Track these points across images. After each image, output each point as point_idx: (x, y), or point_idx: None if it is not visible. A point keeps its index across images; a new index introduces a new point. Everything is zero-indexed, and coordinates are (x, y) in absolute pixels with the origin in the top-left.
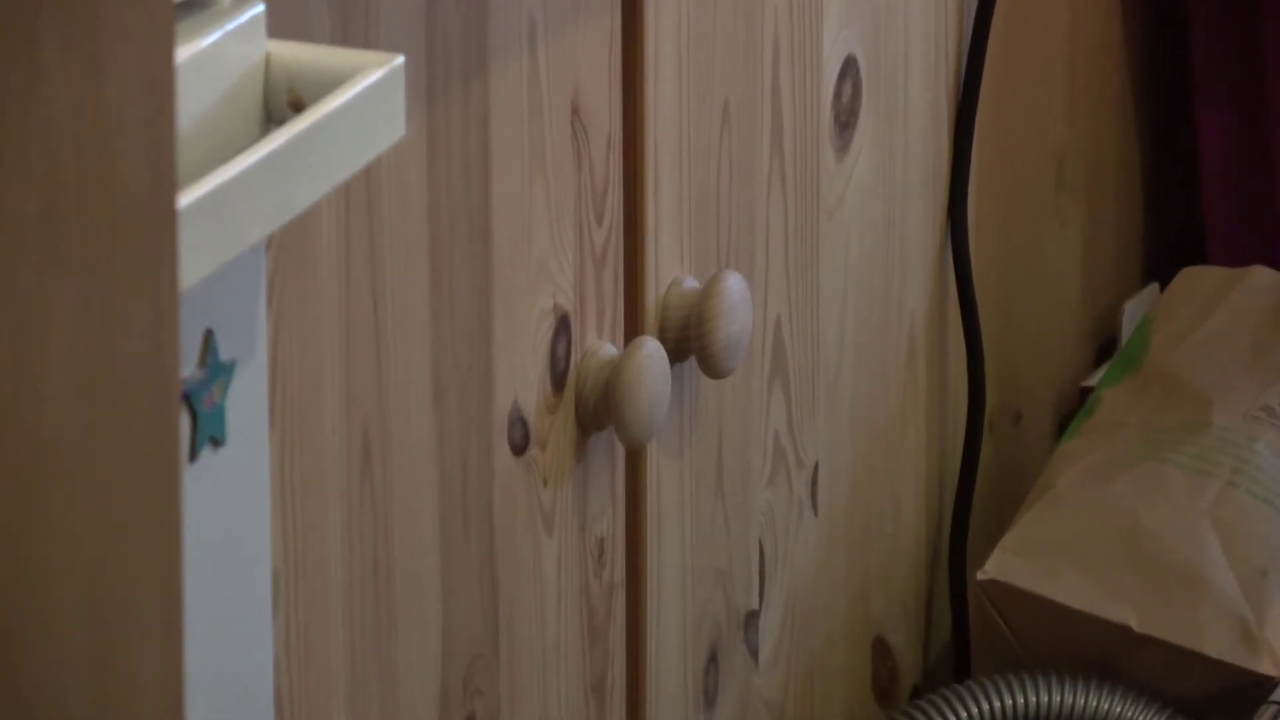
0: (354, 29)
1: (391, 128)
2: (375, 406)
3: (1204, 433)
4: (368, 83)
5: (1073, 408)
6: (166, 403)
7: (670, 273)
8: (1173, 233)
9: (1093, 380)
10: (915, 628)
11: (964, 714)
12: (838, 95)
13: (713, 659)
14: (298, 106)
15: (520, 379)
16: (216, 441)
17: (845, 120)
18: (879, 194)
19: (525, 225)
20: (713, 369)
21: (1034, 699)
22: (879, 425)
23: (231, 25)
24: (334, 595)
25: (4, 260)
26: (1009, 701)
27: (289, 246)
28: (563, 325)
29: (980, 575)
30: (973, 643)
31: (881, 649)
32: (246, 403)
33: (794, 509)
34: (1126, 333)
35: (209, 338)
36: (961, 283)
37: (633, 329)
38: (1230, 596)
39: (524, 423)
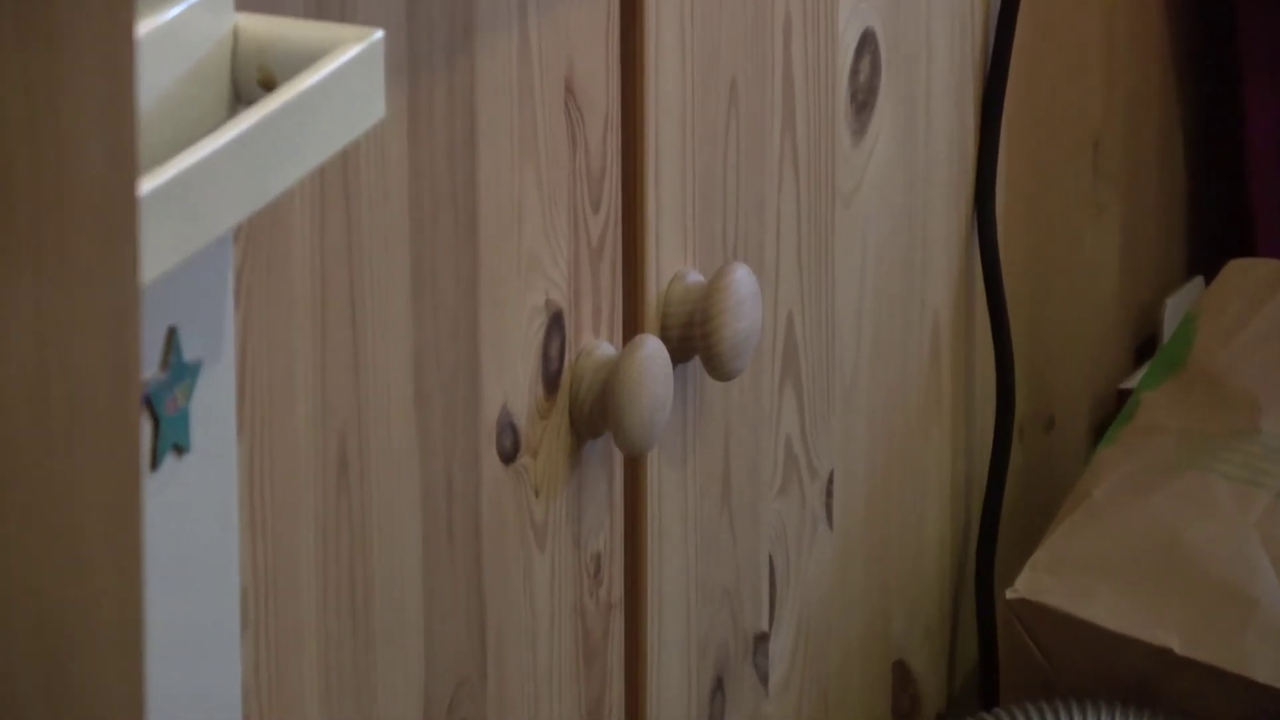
0: (330, 1)
1: (370, 108)
2: (352, 411)
3: (1252, 439)
4: (344, 59)
5: (1110, 412)
6: (126, 407)
7: (672, 265)
8: (1218, 223)
9: (1131, 382)
10: (939, 651)
11: None
12: (854, 72)
13: (719, 685)
14: (269, 85)
15: (510, 381)
16: (180, 449)
17: (862, 100)
18: (899, 180)
19: (515, 214)
20: (719, 370)
21: None
22: (899, 431)
23: None
24: (308, 615)
25: None
26: None
27: (259, 237)
28: (556, 322)
29: (1009, 594)
30: (1001, 667)
31: (902, 674)
32: (213, 407)
33: (807, 522)
34: (1168, 331)
35: (172, 336)
36: (989, 276)
37: (632, 326)
38: None
39: (514, 428)
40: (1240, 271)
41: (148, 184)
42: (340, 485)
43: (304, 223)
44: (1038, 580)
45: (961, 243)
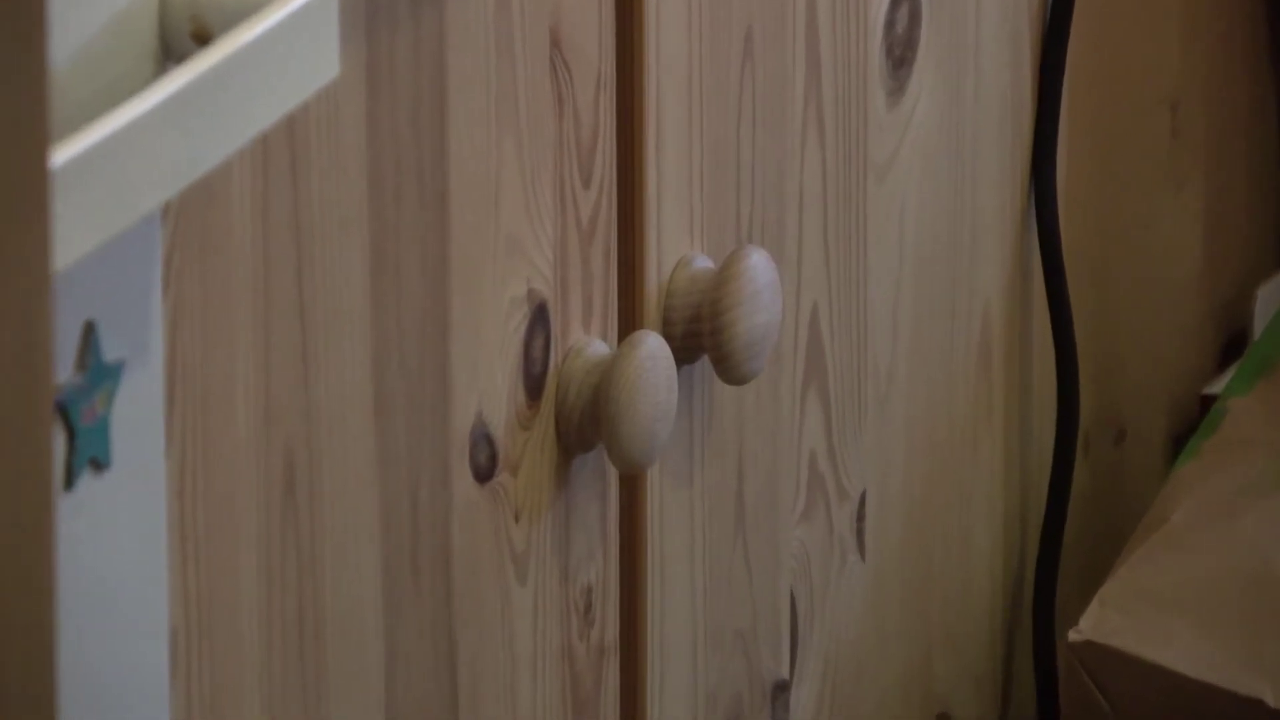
0: None
1: (321, 66)
2: (301, 420)
3: None
4: (291, 9)
5: (1191, 421)
6: (36, 415)
7: (677, 250)
8: None
9: (1216, 387)
10: (990, 702)
11: None
12: (890, 23)
13: None
14: (203, 39)
15: (486, 385)
16: (99, 464)
17: (900, 55)
18: (943, 149)
19: (491, 189)
20: (731, 372)
21: None
22: (943, 444)
23: None
24: (248, 660)
25: None
26: None
27: (192, 216)
28: (539, 317)
29: (1072, 635)
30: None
31: None
32: (137, 415)
33: (835, 551)
34: (1259, 326)
35: (90, 333)
36: (1049, 262)
37: (629, 321)
38: None
39: (490, 441)
40: None
41: (61, 154)
42: (287, 507)
43: (244, 199)
44: (1106, 619)
45: (1016, 222)
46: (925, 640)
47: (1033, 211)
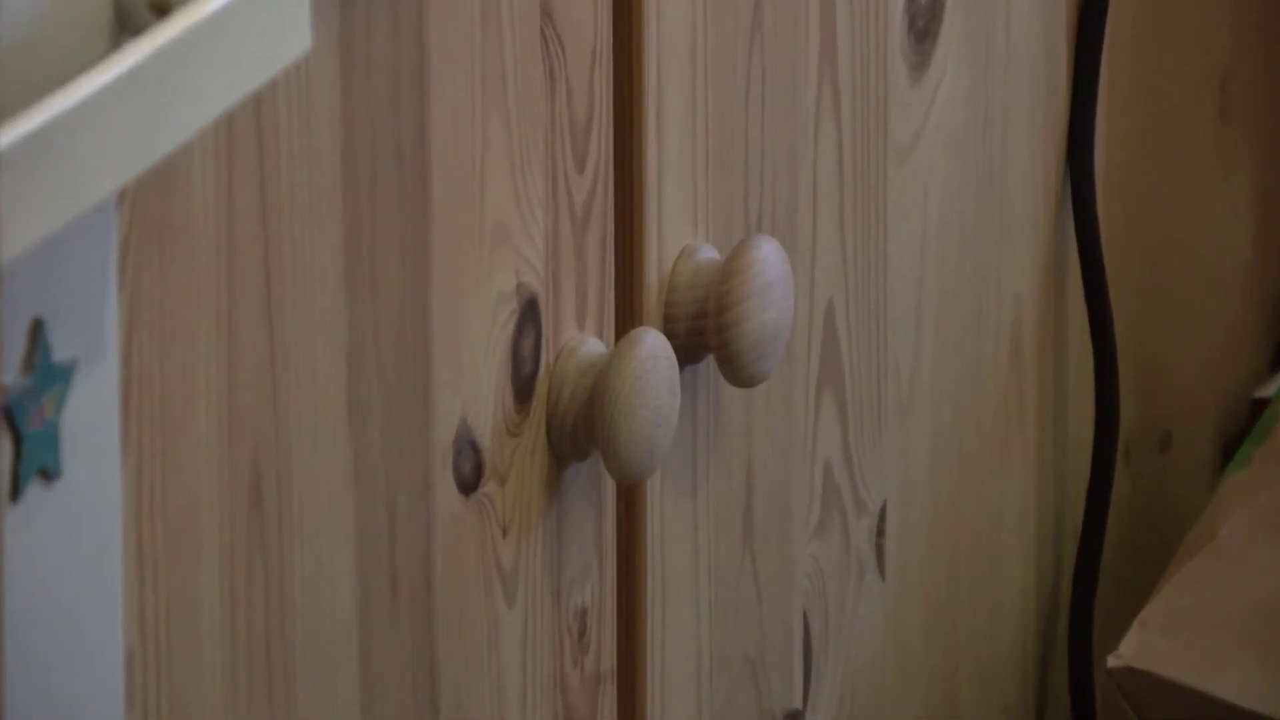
0: None
1: (291, 39)
2: (268, 426)
3: None
4: None
5: (1242, 427)
6: None
7: (679, 239)
8: None
9: (1269, 389)
10: None
11: None
12: None
13: None
14: (162, 10)
15: (470, 388)
16: (48, 473)
17: (924, 25)
18: (970, 129)
19: (477, 174)
20: (739, 373)
21: None
22: (970, 453)
23: None
24: (211, 687)
25: None
26: None
27: (149, 204)
28: (529, 313)
29: (1112, 661)
30: None
31: None
32: (90, 420)
33: (852, 570)
34: None
35: (38, 331)
36: (1086, 254)
37: (627, 318)
38: None
39: (475, 448)
40: None
41: (5, 136)
42: (253, 521)
43: (207, 186)
44: (1149, 644)
45: (1050, 210)
46: (951, 666)
47: (1068, 198)
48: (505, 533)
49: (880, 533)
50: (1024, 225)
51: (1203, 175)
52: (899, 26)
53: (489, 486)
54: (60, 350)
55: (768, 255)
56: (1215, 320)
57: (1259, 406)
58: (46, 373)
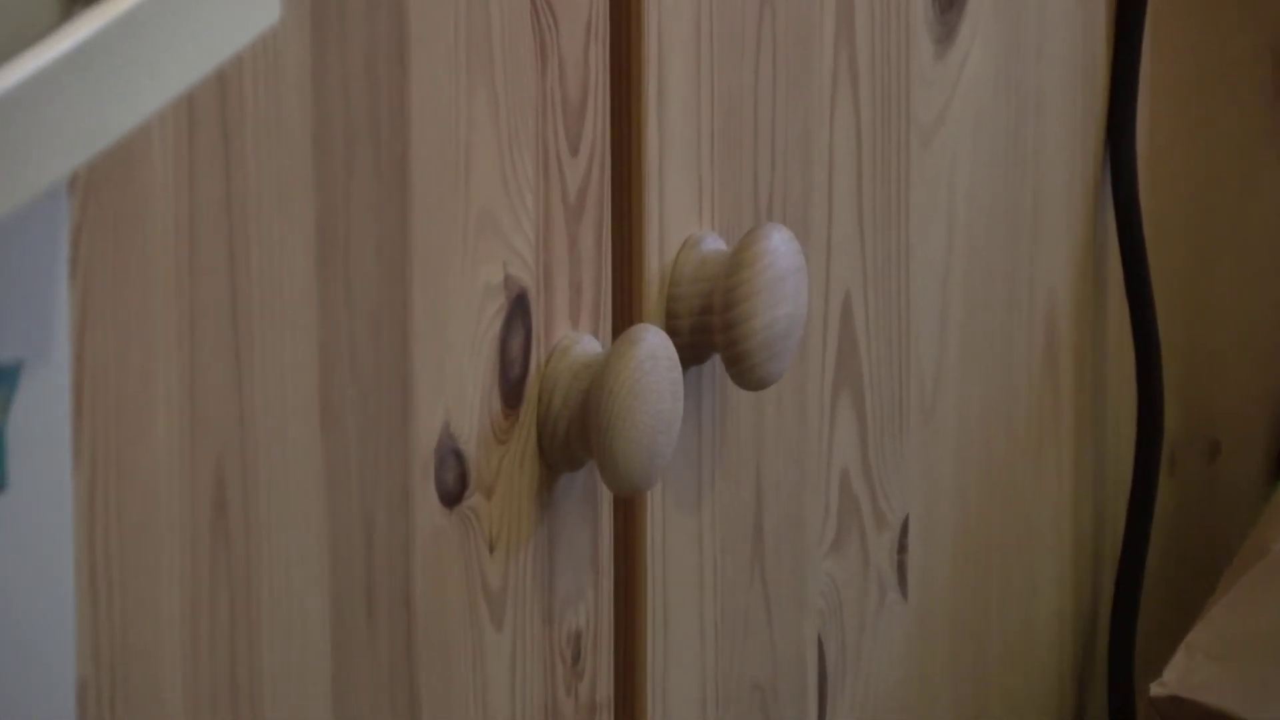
0: None
1: (258, 9)
2: (233, 432)
3: None
4: None
5: None
6: None
7: (683, 228)
8: None
9: None
10: None
11: None
12: None
13: None
14: None
15: (454, 391)
16: None
17: None
18: (1001, 107)
19: (461, 157)
20: (748, 374)
21: None
22: (1001, 462)
23: None
24: (170, 718)
25: None
26: None
27: (104, 190)
28: (519, 308)
29: (1155, 689)
30: None
31: None
32: (39, 426)
33: (872, 589)
34: None
35: None
36: (1127, 244)
37: (625, 314)
38: None
39: (459, 457)
40: None
41: None
42: (217, 537)
43: (167, 169)
44: (1195, 669)
45: (1088, 196)
46: (980, 694)
47: (1108, 182)
48: (492, 549)
49: (902, 549)
50: (1059, 212)
51: (1255, 158)
52: None
53: (474, 498)
54: (6, 349)
55: (779, 246)
56: (1268, 317)
57: None
58: None
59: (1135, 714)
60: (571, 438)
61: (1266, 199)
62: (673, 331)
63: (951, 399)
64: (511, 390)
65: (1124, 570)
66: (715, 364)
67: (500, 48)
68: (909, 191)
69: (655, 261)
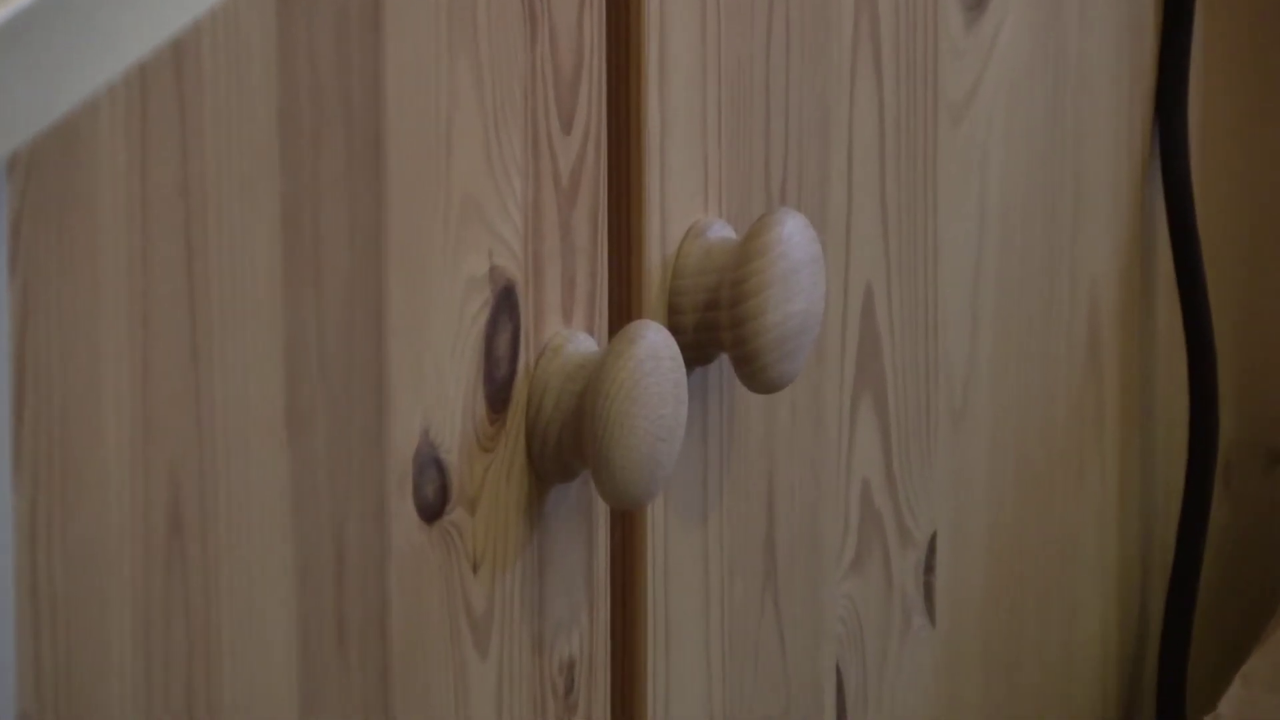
0: None
1: None
2: (190, 441)
3: None
4: None
5: None
6: None
7: (687, 215)
8: None
9: None
10: None
11: None
12: None
13: None
14: None
15: (434, 394)
16: None
17: None
18: (1039, 82)
19: (441, 135)
20: (759, 376)
21: None
22: (1038, 473)
23: None
24: None
25: None
26: None
27: (47, 174)
28: (505, 303)
29: None
30: None
31: None
32: None
33: (895, 613)
34: None
35: None
36: (1178, 233)
37: (623, 309)
38: None
39: (440, 467)
40: None
41: None
42: (172, 556)
43: (116, 150)
44: (1252, 702)
45: (1134, 179)
46: None
47: (1156, 164)
48: (476, 569)
49: (929, 569)
50: (1103, 198)
51: None
52: None
53: (456, 513)
54: None
55: (793, 234)
56: None
57: None
58: None
59: None
60: (564, 446)
61: None
62: (675, 329)
63: (984, 403)
64: (498, 393)
65: (1174, 592)
66: (723, 364)
67: (485, 14)
68: (937, 174)
69: (656, 251)
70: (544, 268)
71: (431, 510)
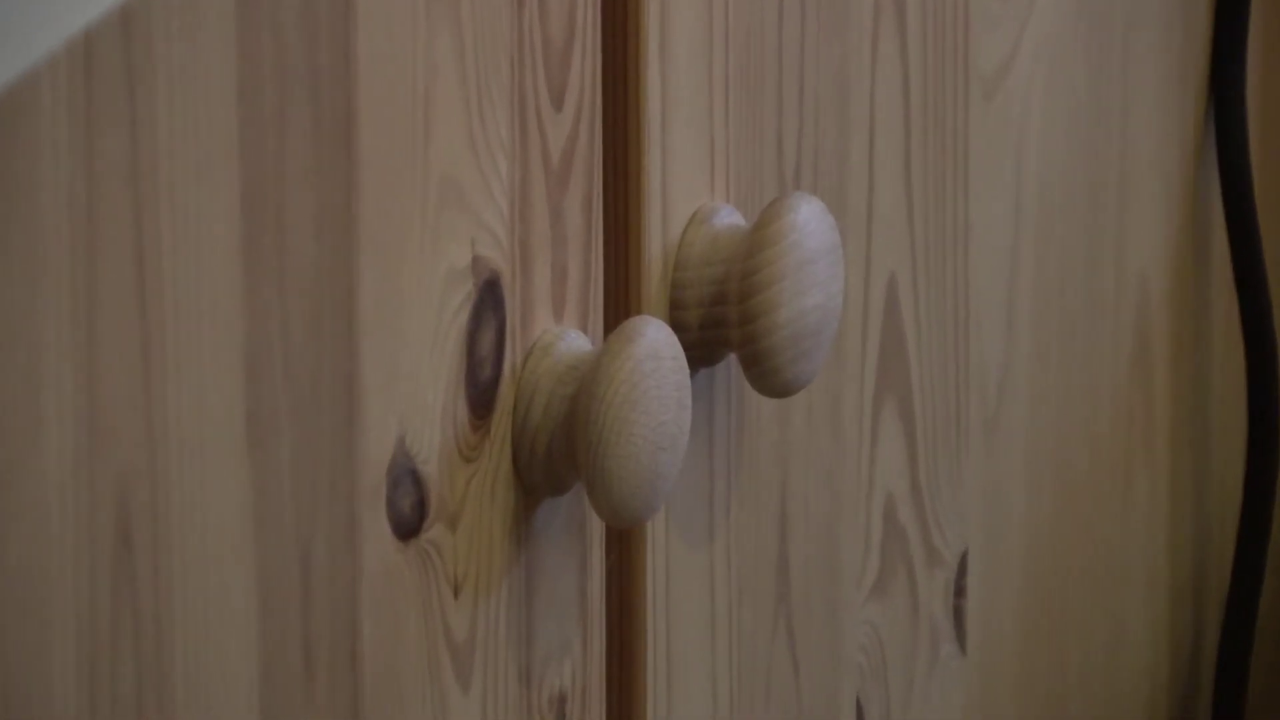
0: None
1: None
2: (141, 449)
3: None
4: None
5: None
6: None
7: (691, 199)
8: None
9: None
10: None
11: None
12: None
13: None
14: None
15: (410, 398)
16: None
17: None
18: (1081, 49)
19: (419, 112)
20: (770, 378)
21: None
22: (1080, 485)
23: None
24: None
25: None
26: None
27: None
28: (489, 297)
29: None
30: None
31: None
32: None
33: (922, 640)
34: None
35: None
36: (1235, 221)
37: (620, 304)
38: None
39: (417, 479)
40: None
41: None
42: (120, 575)
43: (59, 129)
44: None
45: (1186, 159)
46: None
47: (1211, 143)
48: (457, 591)
49: (959, 592)
50: (1152, 180)
51: None
52: None
53: (435, 530)
54: None
55: (809, 220)
56: None
57: None
58: None
59: None
60: (554, 455)
61: None
62: (678, 325)
63: (1020, 408)
64: (481, 397)
65: (1231, 618)
66: (730, 365)
67: None
68: (968, 154)
69: (657, 240)
70: (532, 258)
71: (408, 527)
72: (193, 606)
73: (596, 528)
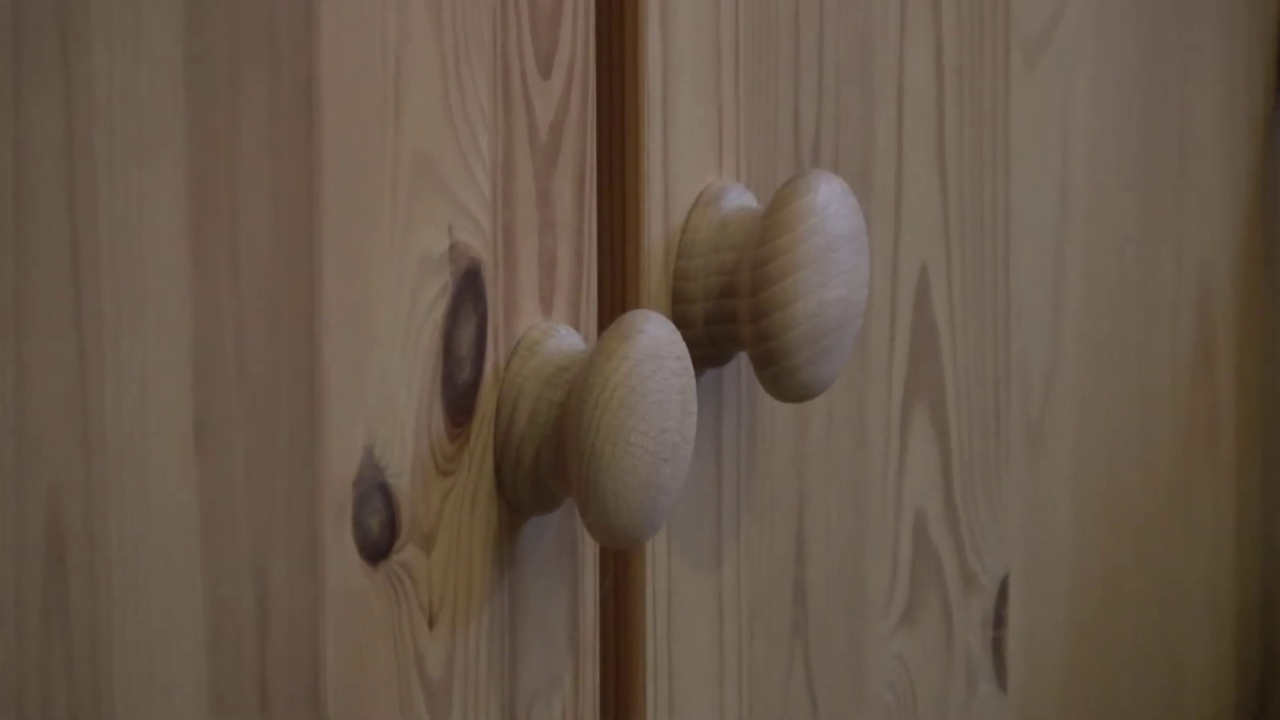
0: None
1: None
2: (76, 460)
3: None
4: None
5: None
6: None
7: (696, 178)
8: None
9: None
10: None
11: None
12: None
13: None
14: None
15: (379, 403)
16: None
17: None
18: (1134, 13)
19: (389, 81)
20: (785, 380)
21: None
22: (1135, 500)
23: None
24: None
25: None
26: None
27: None
28: (469, 289)
29: None
30: None
31: None
32: None
33: (957, 676)
34: None
35: None
36: None
37: (617, 297)
38: None
39: (386, 494)
40: None
41: None
42: (50, 603)
43: None
44: None
45: (1254, 135)
46: None
47: None
48: (432, 621)
49: (999, 622)
50: (1214, 160)
51: None
52: None
53: (407, 551)
54: None
55: (829, 202)
56: None
57: None
58: None
59: None
60: (542, 468)
61: None
62: (682, 321)
63: (1068, 415)
64: (459, 402)
65: None
66: (741, 365)
67: None
68: (1008, 131)
69: (658, 224)
70: (517, 244)
71: (376, 548)
72: (133, 635)
73: (589, 549)
